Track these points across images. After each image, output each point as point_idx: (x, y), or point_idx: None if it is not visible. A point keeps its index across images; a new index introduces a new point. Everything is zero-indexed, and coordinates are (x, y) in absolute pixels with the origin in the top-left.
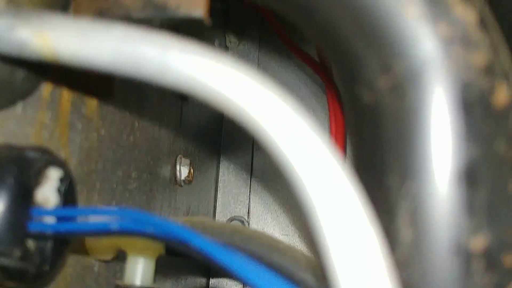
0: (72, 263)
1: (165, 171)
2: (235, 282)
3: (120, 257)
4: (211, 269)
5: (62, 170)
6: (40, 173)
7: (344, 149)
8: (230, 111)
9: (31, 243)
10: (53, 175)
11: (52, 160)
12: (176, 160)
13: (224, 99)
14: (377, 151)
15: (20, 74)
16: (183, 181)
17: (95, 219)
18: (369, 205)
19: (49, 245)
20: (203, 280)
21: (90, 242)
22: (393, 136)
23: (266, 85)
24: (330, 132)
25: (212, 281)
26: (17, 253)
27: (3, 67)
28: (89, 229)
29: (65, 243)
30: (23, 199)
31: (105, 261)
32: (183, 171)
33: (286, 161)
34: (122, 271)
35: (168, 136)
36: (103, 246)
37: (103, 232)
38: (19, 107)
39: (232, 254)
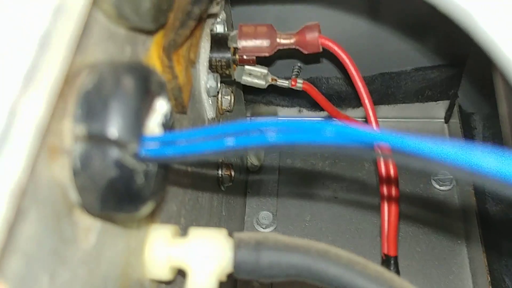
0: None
1: None
2: None
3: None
4: None
5: (169, 105)
6: (153, 98)
7: None
8: None
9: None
10: (161, 108)
11: (164, 90)
12: None
13: None
14: None
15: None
16: None
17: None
18: None
19: (152, 170)
20: None
21: (149, 257)
22: None
23: None
24: None
25: None
26: (134, 147)
27: None
28: (203, 150)
29: (165, 174)
30: (140, 113)
31: (160, 282)
32: None
33: None
34: None
35: None
36: (162, 264)
37: (220, 151)
38: None
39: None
